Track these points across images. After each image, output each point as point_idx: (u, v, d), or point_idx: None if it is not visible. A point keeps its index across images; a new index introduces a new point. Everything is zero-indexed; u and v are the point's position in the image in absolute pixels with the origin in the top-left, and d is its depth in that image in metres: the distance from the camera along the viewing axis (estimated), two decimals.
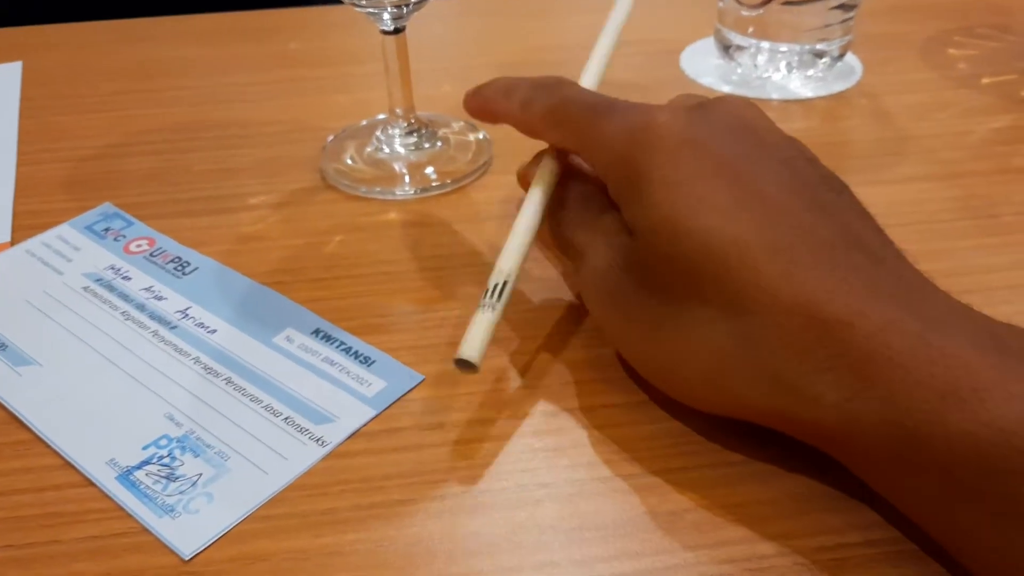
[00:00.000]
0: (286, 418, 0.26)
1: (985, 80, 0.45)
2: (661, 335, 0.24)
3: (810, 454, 0.23)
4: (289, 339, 0.29)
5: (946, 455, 0.19)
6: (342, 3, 0.35)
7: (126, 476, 0.25)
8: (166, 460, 0.25)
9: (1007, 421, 0.19)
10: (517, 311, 0.30)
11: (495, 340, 0.29)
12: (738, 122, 0.25)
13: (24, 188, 0.38)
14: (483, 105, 0.32)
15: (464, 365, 0.24)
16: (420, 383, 0.28)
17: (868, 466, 0.22)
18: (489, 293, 0.26)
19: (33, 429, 0.26)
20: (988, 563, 0.20)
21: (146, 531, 0.23)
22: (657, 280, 0.24)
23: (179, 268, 0.33)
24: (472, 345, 0.24)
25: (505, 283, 0.26)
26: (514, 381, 0.28)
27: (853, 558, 0.22)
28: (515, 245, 0.27)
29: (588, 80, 0.33)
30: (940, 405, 0.19)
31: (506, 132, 0.35)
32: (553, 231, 0.29)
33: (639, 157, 0.24)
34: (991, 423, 0.19)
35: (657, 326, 0.24)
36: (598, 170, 0.27)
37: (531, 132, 0.30)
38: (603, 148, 0.26)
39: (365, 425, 0.26)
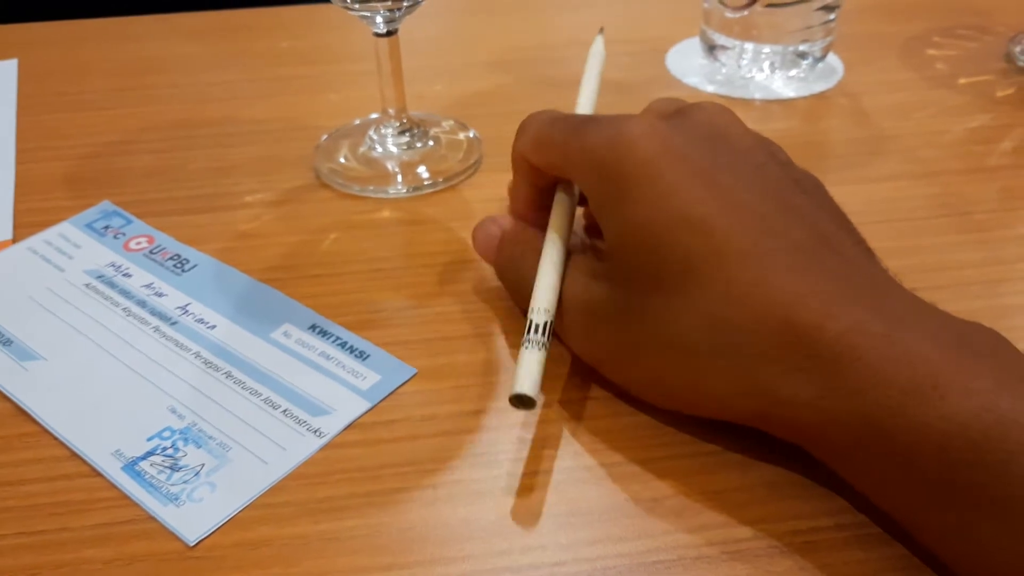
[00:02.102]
0: (284, 410, 0.27)
1: (962, 80, 0.46)
2: (645, 353, 0.25)
3: (782, 444, 0.24)
4: (287, 334, 0.30)
5: (909, 447, 0.20)
6: (331, 2, 0.36)
7: (131, 466, 0.26)
8: (170, 451, 0.26)
9: (965, 415, 0.20)
10: (497, 312, 0.31)
11: (484, 337, 0.30)
12: (713, 130, 0.26)
13: (24, 186, 0.39)
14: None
15: (522, 401, 0.24)
16: (413, 376, 0.29)
17: (839, 457, 0.23)
18: (535, 330, 0.26)
19: (40, 422, 0.27)
20: (947, 544, 0.21)
21: (152, 519, 0.24)
22: (637, 297, 0.25)
23: (178, 265, 0.34)
24: (530, 381, 0.24)
25: (548, 322, 0.26)
26: (500, 376, 0.29)
27: (824, 541, 0.23)
28: (546, 284, 0.27)
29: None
30: (903, 400, 0.20)
31: (496, 131, 0.36)
32: (518, 292, 0.29)
33: (618, 169, 0.25)
34: (950, 417, 0.20)
35: (641, 346, 0.25)
36: (580, 185, 0.27)
37: (523, 163, 0.30)
38: (584, 161, 0.27)
39: (360, 417, 0.27)
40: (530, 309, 0.27)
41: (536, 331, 0.26)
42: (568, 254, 0.29)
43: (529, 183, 0.31)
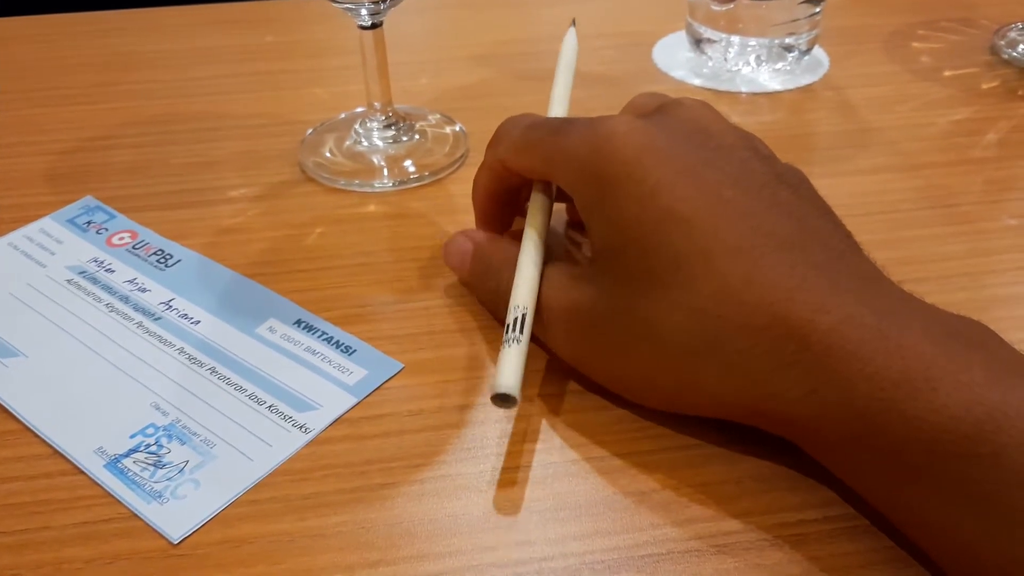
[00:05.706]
0: (270, 406, 0.27)
1: (947, 73, 0.46)
2: (635, 354, 0.25)
3: (768, 437, 0.24)
4: (272, 329, 0.30)
5: (901, 440, 0.20)
6: None
7: (114, 464, 0.25)
8: (153, 448, 0.26)
9: (957, 408, 0.20)
10: (483, 306, 0.31)
11: (471, 331, 0.30)
12: (695, 126, 0.26)
13: (4, 181, 0.39)
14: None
15: (503, 399, 0.24)
16: (400, 371, 0.29)
17: (829, 451, 0.23)
18: (511, 327, 0.26)
19: (21, 419, 0.27)
20: (934, 539, 0.21)
21: (135, 516, 0.24)
22: (625, 297, 0.25)
23: (162, 260, 0.33)
24: (508, 378, 0.24)
25: (524, 315, 0.26)
26: (486, 370, 0.29)
27: (812, 533, 0.23)
28: (524, 279, 0.27)
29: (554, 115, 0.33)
30: (895, 393, 0.20)
31: (483, 125, 0.36)
32: (494, 302, 0.29)
33: (603, 170, 0.25)
34: (942, 410, 0.20)
35: (630, 347, 0.25)
36: (565, 187, 0.27)
37: (503, 172, 0.30)
38: (567, 163, 0.26)
39: (347, 412, 0.27)
40: (509, 307, 0.26)
41: (514, 328, 0.26)
42: (545, 259, 0.28)
43: (500, 182, 0.30)
